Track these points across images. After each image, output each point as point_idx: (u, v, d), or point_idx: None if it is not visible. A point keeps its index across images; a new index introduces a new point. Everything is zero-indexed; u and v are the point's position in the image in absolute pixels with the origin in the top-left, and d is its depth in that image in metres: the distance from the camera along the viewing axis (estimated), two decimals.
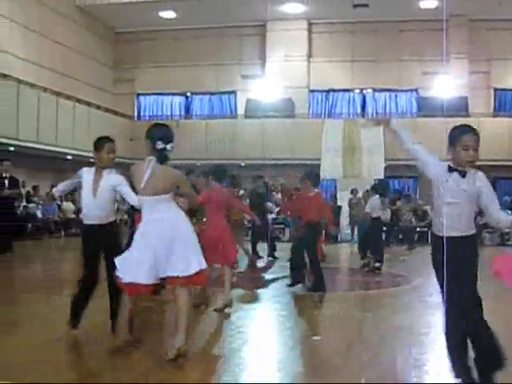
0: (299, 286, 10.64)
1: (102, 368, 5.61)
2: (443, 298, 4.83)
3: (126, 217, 15.06)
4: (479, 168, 4.89)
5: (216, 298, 8.74)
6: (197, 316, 8.14)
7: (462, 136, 4.84)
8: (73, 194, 20.88)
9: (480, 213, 5.00)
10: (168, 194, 5.75)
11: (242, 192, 14.35)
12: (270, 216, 17.75)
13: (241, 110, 27.89)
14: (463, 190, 4.80)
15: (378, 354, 6.33)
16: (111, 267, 6.09)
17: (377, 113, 27.24)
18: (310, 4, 25.29)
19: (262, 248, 15.54)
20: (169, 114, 29.10)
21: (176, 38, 28.09)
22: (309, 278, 10.81)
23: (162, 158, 5.75)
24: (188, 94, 29.07)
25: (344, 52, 27.12)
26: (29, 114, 19.53)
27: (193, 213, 8.22)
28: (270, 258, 15.52)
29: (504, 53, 25.43)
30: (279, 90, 26.71)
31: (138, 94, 29.42)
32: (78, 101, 23.58)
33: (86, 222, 6.63)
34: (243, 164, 24.69)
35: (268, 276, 13.09)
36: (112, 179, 6.55)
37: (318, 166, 23.30)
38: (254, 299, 10.03)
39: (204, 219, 8.80)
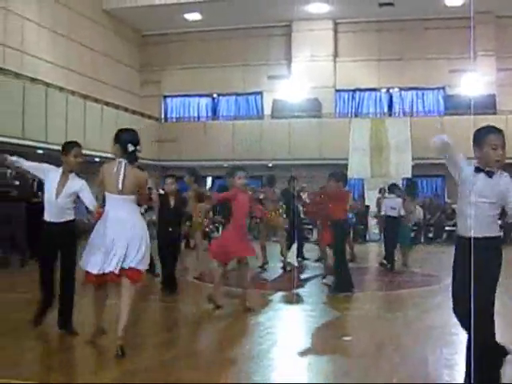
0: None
1: (137, 368, 5.67)
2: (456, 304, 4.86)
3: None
4: (504, 167, 4.88)
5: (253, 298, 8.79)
6: (227, 317, 8.19)
7: (489, 136, 4.82)
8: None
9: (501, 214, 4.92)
10: (134, 195, 6.23)
11: (262, 195, 14.15)
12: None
13: (267, 111, 27.86)
14: (490, 191, 4.78)
15: (409, 354, 6.31)
16: (67, 266, 6.73)
17: (404, 112, 27.10)
18: (335, 3, 25.18)
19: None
20: (195, 115, 29.21)
21: (202, 40, 28.14)
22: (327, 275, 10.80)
23: (132, 159, 6.20)
24: (214, 95, 29.08)
25: (370, 51, 26.97)
26: (57, 117, 19.68)
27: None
28: (299, 259, 15.49)
29: None
30: (305, 90, 26.65)
31: (165, 96, 29.51)
32: (106, 104, 23.73)
33: (47, 219, 6.89)
34: (270, 164, 24.69)
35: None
36: (76, 184, 6.89)
37: (346, 165, 23.20)
38: (290, 300, 10.02)
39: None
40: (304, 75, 26.64)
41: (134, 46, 28.67)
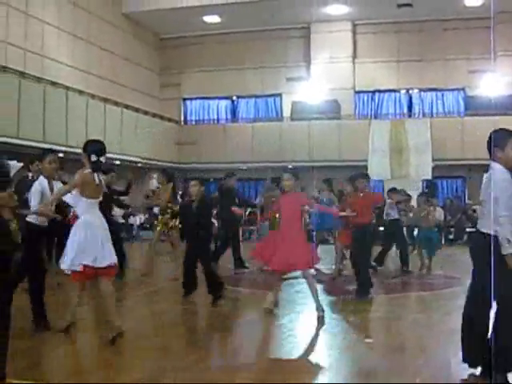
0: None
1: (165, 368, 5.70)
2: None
3: None
4: None
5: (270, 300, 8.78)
6: (253, 320, 8.21)
7: (511, 137, 4.88)
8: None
9: None
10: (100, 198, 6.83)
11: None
12: None
13: (286, 113, 27.85)
14: None
15: (432, 355, 6.29)
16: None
17: (423, 113, 27.01)
18: (354, 5, 25.19)
19: None
20: (215, 117, 29.30)
21: (221, 42, 28.22)
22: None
23: (96, 168, 6.70)
24: (234, 97, 29.15)
25: (389, 52, 26.92)
26: (77, 121, 19.81)
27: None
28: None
29: None
30: (324, 91, 26.63)
31: (185, 99, 29.62)
32: (126, 106, 23.87)
33: (40, 223, 7.09)
34: (290, 166, 24.60)
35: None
36: (58, 189, 7.19)
37: (366, 167, 23.15)
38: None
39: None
40: (323, 77, 26.62)
41: (154, 49, 28.82)
